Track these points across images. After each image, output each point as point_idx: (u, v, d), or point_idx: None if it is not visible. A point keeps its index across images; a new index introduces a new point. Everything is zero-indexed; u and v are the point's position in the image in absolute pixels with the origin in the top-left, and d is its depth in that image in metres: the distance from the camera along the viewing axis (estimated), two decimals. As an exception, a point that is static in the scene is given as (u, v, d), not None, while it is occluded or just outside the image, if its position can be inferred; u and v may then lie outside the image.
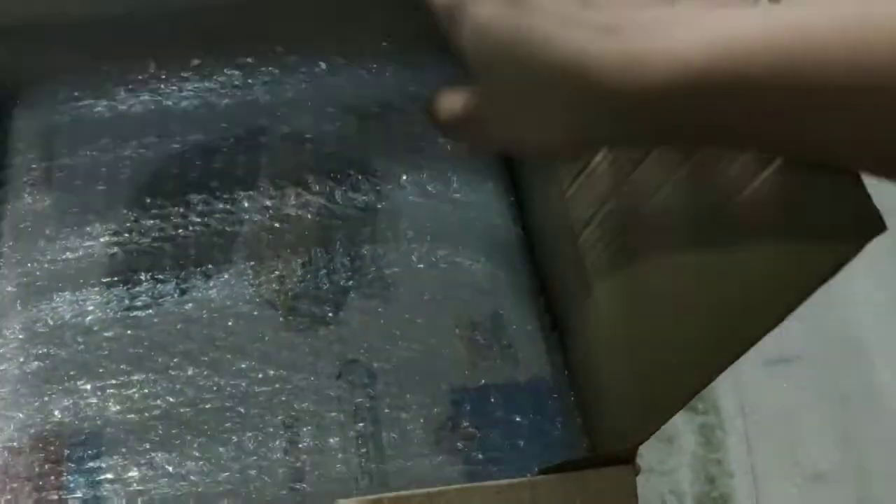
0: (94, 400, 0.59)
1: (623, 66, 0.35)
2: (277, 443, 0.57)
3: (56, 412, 0.58)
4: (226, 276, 0.64)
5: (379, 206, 0.67)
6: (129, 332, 0.62)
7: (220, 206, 0.68)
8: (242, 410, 0.58)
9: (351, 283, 0.64)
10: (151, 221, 0.67)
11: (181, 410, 0.58)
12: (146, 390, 0.59)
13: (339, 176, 0.69)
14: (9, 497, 0.55)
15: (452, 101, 0.46)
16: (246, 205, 0.68)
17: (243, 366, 0.60)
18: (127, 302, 0.63)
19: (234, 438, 0.57)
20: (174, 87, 0.75)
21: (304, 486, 0.55)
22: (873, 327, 1.00)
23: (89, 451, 0.57)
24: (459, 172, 0.70)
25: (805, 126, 0.33)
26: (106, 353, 0.61)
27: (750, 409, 0.95)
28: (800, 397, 0.96)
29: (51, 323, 0.62)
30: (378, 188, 0.69)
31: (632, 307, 0.53)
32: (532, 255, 0.67)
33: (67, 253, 0.65)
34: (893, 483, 0.91)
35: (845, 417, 0.94)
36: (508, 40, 0.40)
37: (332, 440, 0.57)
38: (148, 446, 0.57)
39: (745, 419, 0.94)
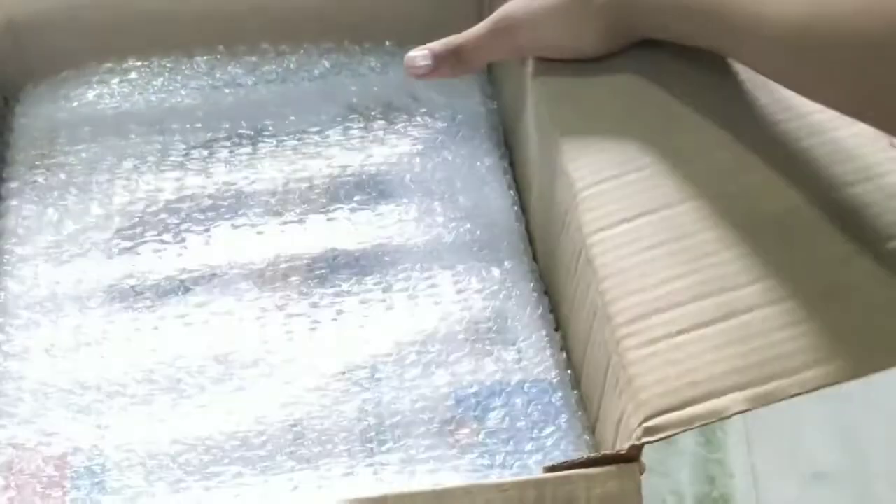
0: (97, 396, 0.59)
1: None
2: (280, 441, 0.57)
3: (60, 409, 0.58)
4: (228, 276, 0.64)
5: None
6: (133, 331, 0.62)
7: (224, 206, 0.68)
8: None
9: (353, 280, 0.64)
10: (155, 219, 0.67)
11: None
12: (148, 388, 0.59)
13: (342, 177, 0.69)
14: (13, 494, 0.55)
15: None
16: (250, 204, 0.68)
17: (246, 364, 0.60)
18: (131, 300, 0.63)
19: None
20: (178, 85, 0.76)
21: (307, 484, 0.55)
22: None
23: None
24: (463, 173, 0.70)
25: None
26: (109, 353, 0.61)
27: (750, 409, 0.95)
28: (800, 397, 0.95)
29: (54, 321, 0.62)
30: (382, 188, 0.69)
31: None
32: (535, 256, 0.67)
33: (73, 248, 0.65)
34: (893, 483, 0.91)
35: (845, 417, 0.94)
36: None
37: (335, 439, 0.57)
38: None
39: (745, 419, 0.94)
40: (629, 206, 0.58)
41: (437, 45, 0.66)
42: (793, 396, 0.48)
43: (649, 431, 0.49)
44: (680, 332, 0.52)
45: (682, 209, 0.56)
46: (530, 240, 0.68)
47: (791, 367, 0.49)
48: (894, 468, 0.92)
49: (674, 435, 0.48)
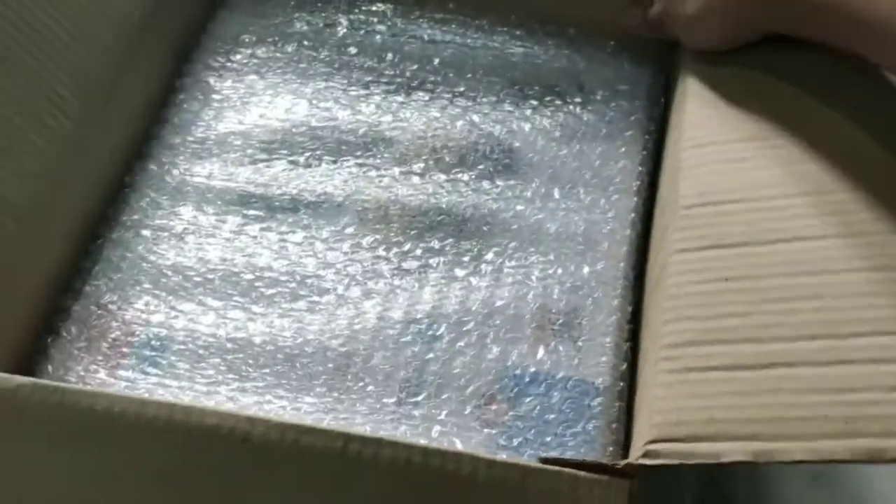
0: (182, 283, 0.63)
1: None
2: (321, 369, 0.59)
3: (148, 283, 0.63)
4: (337, 207, 0.67)
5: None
6: (235, 235, 0.66)
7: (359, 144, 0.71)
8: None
9: (449, 241, 0.65)
10: (294, 140, 0.70)
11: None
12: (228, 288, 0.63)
13: (477, 143, 0.70)
14: (82, 345, 0.60)
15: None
16: (382, 148, 0.70)
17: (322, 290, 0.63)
18: (245, 207, 0.67)
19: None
20: (362, 26, 0.78)
21: (330, 413, 0.57)
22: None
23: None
24: (593, 169, 0.69)
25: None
26: (208, 247, 0.65)
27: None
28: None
29: (172, 207, 0.67)
30: (508, 162, 0.70)
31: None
32: (639, 267, 0.66)
33: (214, 148, 0.71)
34: (893, 483, 0.85)
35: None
36: None
37: (369, 379, 0.58)
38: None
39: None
40: (718, 235, 0.56)
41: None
42: (795, 462, 0.46)
43: (649, 454, 0.48)
44: (714, 369, 0.50)
45: (763, 250, 0.55)
46: (642, 250, 0.67)
47: (805, 432, 0.47)
48: (894, 468, 0.86)
49: (670, 466, 0.47)
